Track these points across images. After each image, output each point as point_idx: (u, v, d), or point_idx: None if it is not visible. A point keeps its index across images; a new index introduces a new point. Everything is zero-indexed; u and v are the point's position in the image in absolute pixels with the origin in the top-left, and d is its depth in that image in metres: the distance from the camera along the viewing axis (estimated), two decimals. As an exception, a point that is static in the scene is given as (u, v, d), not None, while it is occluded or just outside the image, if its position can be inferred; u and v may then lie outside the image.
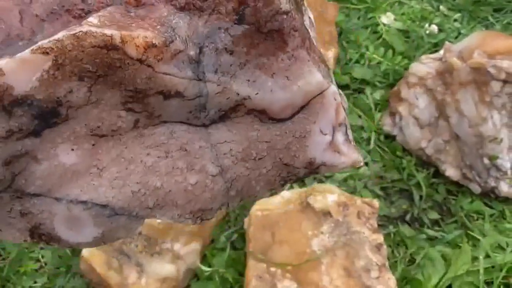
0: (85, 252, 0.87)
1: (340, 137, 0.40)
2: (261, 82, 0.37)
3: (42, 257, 0.95)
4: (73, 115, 0.35)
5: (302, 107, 0.39)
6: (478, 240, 1.04)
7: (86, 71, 0.34)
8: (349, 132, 0.41)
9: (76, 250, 0.94)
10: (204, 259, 0.96)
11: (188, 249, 0.91)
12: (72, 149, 0.37)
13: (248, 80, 0.37)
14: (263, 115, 0.39)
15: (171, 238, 0.89)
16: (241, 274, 0.95)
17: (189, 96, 0.37)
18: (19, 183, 0.37)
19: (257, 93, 0.38)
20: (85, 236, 0.40)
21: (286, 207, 1.00)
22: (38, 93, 0.33)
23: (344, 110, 0.41)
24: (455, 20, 1.39)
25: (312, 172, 0.42)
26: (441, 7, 1.41)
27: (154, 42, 0.34)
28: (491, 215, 1.10)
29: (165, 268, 0.88)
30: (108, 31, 0.33)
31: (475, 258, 1.01)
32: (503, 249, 1.04)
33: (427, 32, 1.34)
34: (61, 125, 0.36)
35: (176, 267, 0.89)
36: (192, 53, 0.35)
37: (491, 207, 1.11)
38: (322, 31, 1.27)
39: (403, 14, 1.38)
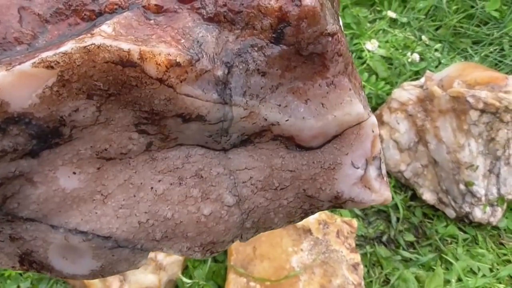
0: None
1: (373, 172, 0.36)
2: (293, 108, 0.33)
3: (24, 262, 0.95)
4: (78, 135, 0.31)
5: (335, 137, 0.35)
6: (451, 263, 1.07)
7: (96, 88, 0.29)
8: (383, 166, 0.37)
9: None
10: (185, 270, 0.97)
11: (171, 260, 0.92)
12: (74, 173, 0.32)
13: (279, 105, 0.33)
14: (290, 141, 0.35)
15: (154, 248, 0.90)
16: (221, 287, 0.96)
17: (212, 121, 0.32)
18: (11, 206, 0.32)
19: (287, 120, 0.33)
20: (81, 268, 0.36)
21: (267, 223, 1.02)
22: (38, 111, 0.29)
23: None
24: (436, 50, 1.44)
25: (336, 206, 0.38)
26: (423, 37, 1.46)
27: (178, 61, 0.29)
28: (464, 240, 1.13)
29: (147, 278, 0.88)
30: (125, 46, 0.28)
31: (447, 281, 1.04)
32: (474, 273, 1.07)
33: (409, 60, 1.39)
34: (63, 146, 0.31)
35: (158, 277, 0.90)
36: (219, 73, 0.31)
37: (464, 232, 1.15)
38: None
39: (387, 42, 1.43)
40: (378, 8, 1.52)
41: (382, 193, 0.37)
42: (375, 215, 1.16)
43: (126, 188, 0.34)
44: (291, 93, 0.33)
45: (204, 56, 0.30)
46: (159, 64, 0.29)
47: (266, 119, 0.33)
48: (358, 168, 0.36)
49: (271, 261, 0.97)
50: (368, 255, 1.10)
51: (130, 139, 0.32)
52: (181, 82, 0.30)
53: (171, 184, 0.34)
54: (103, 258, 0.35)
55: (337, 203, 0.37)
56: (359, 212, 1.15)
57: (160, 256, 0.90)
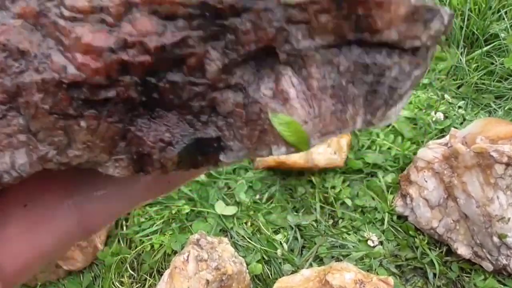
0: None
1: None
2: None
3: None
4: None
5: None
6: (493, 316, 1.08)
7: None
8: None
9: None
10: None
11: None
12: None
13: None
14: None
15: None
16: None
17: None
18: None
19: None
20: None
21: (306, 284, 1.06)
22: None
23: None
24: (460, 107, 1.49)
25: None
26: (445, 95, 1.52)
27: None
28: (504, 292, 1.14)
29: None
30: None
31: (490, 335, 1.04)
32: (517, 325, 1.07)
33: (434, 119, 1.44)
34: None
35: None
36: None
37: (504, 285, 1.16)
38: (336, 120, 1.38)
39: (410, 103, 1.49)
40: (400, 72, 1.59)
41: None
42: (412, 272, 1.19)
43: None
44: None
45: None
46: None
47: None
48: None
49: (311, 323, 1.01)
50: (408, 312, 1.11)
51: None
52: None
53: None
54: None
55: None
56: (395, 270, 1.18)
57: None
